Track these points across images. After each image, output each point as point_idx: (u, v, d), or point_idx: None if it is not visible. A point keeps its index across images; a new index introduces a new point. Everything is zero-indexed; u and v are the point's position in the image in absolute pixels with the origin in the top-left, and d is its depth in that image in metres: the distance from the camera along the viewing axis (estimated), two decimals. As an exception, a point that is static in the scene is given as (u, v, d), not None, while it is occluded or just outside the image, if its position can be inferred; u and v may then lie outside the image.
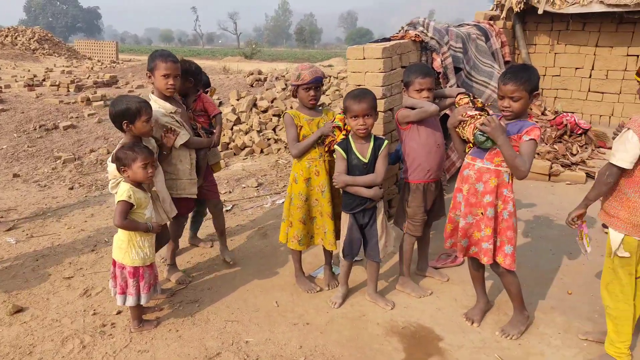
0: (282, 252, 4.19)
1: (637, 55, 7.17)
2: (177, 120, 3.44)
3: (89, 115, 10.25)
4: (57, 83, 13.49)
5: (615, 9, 6.55)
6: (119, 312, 3.33)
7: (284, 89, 9.08)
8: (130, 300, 3.05)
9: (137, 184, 3.00)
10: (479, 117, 2.85)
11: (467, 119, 2.89)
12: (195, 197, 3.65)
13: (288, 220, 3.49)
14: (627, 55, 7.26)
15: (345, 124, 3.25)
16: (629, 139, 2.42)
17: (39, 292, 3.62)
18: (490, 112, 3.05)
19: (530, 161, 2.65)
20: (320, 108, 3.53)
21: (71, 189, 6.24)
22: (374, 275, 3.41)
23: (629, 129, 2.43)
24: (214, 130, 3.81)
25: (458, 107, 3.07)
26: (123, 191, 2.92)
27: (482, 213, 2.83)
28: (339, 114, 3.33)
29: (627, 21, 6.98)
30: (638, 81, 2.51)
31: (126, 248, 2.99)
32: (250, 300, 3.48)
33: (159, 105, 3.39)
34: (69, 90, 12.97)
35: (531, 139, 2.65)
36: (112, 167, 3.08)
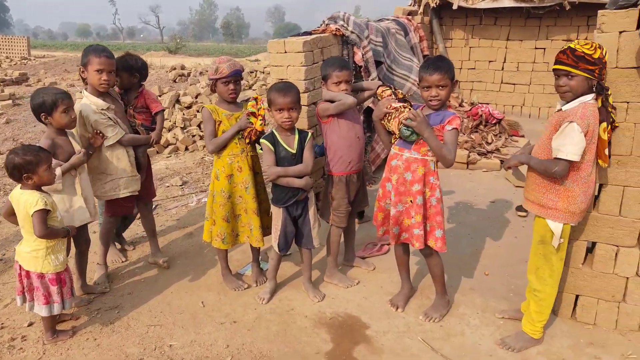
0: (208, 251, 4.09)
1: (544, 49, 7.67)
2: (109, 117, 3.32)
3: (-5, 115, 9.48)
4: (-43, 81, 12.39)
5: (523, 4, 6.97)
6: (30, 324, 3.11)
7: (208, 84, 8.85)
8: (56, 308, 2.90)
9: (39, 188, 2.81)
10: (403, 109, 2.92)
11: (392, 111, 2.95)
12: (137, 194, 3.57)
13: (211, 219, 3.41)
14: (535, 48, 7.74)
15: (259, 109, 3.22)
16: (575, 131, 2.41)
17: (-63, 310, 3.31)
18: (413, 103, 3.14)
19: (455, 149, 2.77)
20: (241, 102, 3.47)
21: (-25, 195, 5.74)
22: (309, 263, 3.44)
23: (571, 122, 2.42)
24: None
25: (381, 100, 3.12)
26: (35, 200, 2.70)
27: (411, 201, 2.92)
28: (250, 100, 3.29)
29: (534, 16, 7.44)
30: (563, 69, 2.47)
31: (44, 256, 2.82)
32: (174, 303, 3.37)
33: (90, 102, 3.27)
34: (-28, 89, 11.93)
35: (454, 128, 2.77)
36: None
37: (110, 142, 3.33)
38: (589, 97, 2.48)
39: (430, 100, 2.82)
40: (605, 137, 2.51)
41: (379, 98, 3.20)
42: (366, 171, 4.49)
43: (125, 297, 3.46)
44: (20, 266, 2.86)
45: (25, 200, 2.72)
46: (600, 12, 2.59)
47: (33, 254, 2.81)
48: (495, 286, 3.50)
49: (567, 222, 2.64)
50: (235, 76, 3.26)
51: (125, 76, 3.57)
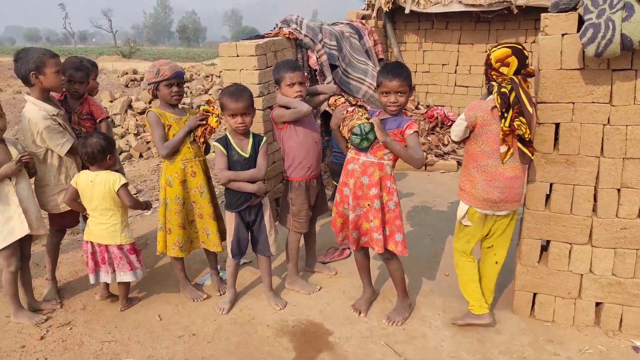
0: (164, 262, 3.97)
1: (494, 52, 7.85)
2: (59, 123, 3.15)
3: None
4: None
5: (472, 9, 7.13)
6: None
7: (148, 89, 8.65)
8: (140, 274, 3.26)
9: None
10: (358, 111, 2.92)
11: (349, 115, 2.94)
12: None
13: (166, 228, 3.30)
14: (486, 51, 7.92)
15: (213, 108, 3.18)
16: (458, 119, 2.85)
17: None
18: (368, 107, 3.13)
19: (421, 150, 2.82)
20: (185, 109, 3.41)
21: None
22: (268, 270, 3.37)
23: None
24: None
25: (337, 108, 3.11)
26: (117, 177, 3.09)
27: (369, 205, 2.92)
28: (202, 105, 3.23)
29: (484, 20, 7.63)
30: (489, 72, 2.75)
31: (120, 230, 3.16)
32: (129, 317, 3.24)
33: (39, 107, 3.06)
34: None
35: (414, 132, 2.80)
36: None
37: (63, 150, 3.17)
38: (490, 96, 2.72)
39: (389, 106, 2.84)
40: (505, 128, 2.64)
41: (333, 108, 3.19)
42: (335, 171, 4.48)
43: (78, 312, 3.30)
44: (92, 244, 3.15)
45: (107, 180, 3.06)
46: (543, 15, 2.67)
47: (111, 229, 3.13)
48: (455, 286, 3.51)
49: (471, 205, 2.87)
50: (177, 78, 3.19)
51: (86, 81, 3.47)
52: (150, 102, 8.12)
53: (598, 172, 2.72)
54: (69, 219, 3.46)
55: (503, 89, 2.64)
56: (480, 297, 3.00)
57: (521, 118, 2.60)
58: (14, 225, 2.98)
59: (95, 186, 3.06)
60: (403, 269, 3.14)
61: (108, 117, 3.65)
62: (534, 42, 7.31)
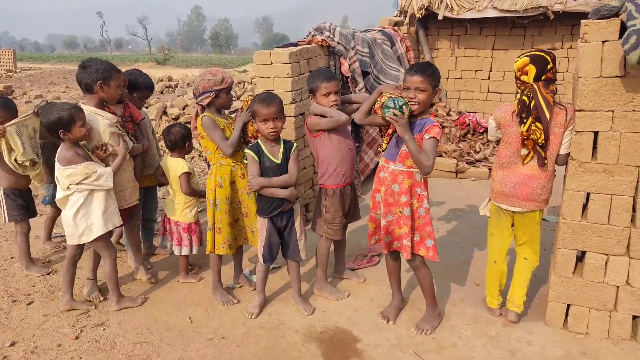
0: (195, 265, 4.03)
1: (529, 58, 7.70)
2: (119, 129, 3.33)
3: (-21, 129, 9.34)
4: (-60, 95, 12.21)
5: (507, 14, 7.03)
6: (12, 344, 3.02)
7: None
8: (184, 251, 3.71)
9: (183, 157, 3.66)
10: (403, 95, 2.81)
11: (392, 91, 2.86)
12: (137, 202, 3.59)
13: (215, 228, 3.39)
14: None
15: None
16: (490, 118, 3.11)
17: None
18: None
19: (433, 157, 2.76)
20: (228, 114, 3.51)
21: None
22: (297, 275, 3.40)
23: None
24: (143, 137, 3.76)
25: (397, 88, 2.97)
26: (182, 164, 3.56)
27: (400, 212, 2.92)
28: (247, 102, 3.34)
29: (519, 26, 7.51)
30: (517, 78, 2.84)
31: (181, 209, 3.65)
32: (161, 319, 3.30)
33: (103, 116, 3.25)
34: (-45, 103, 11.79)
35: (432, 137, 2.76)
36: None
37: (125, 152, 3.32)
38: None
39: (409, 102, 2.80)
40: (524, 132, 2.78)
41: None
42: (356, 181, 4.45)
43: (112, 313, 3.38)
44: (164, 214, 3.76)
45: (176, 165, 3.58)
46: (583, 22, 2.61)
47: (175, 207, 3.66)
48: (485, 296, 3.47)
49: (490, 197, 3.13)
50: (232, 85, 3.35)
51: (144, 94, 3.89)
52: (184, 109, 8.27)
53: (638, 182, 2.64)
54: (123, 216, 3.48)
55: (524, 97, 2.78)
56: (495, 297, 3.24)
57: (537, 124, 2.73)
58: (109, 217, 3.20)
59: (170, 169, 3.61)
60: (432, 277, 3.11)
61: (144, 117, 3.78)
62: (570, 47, 7.14)
